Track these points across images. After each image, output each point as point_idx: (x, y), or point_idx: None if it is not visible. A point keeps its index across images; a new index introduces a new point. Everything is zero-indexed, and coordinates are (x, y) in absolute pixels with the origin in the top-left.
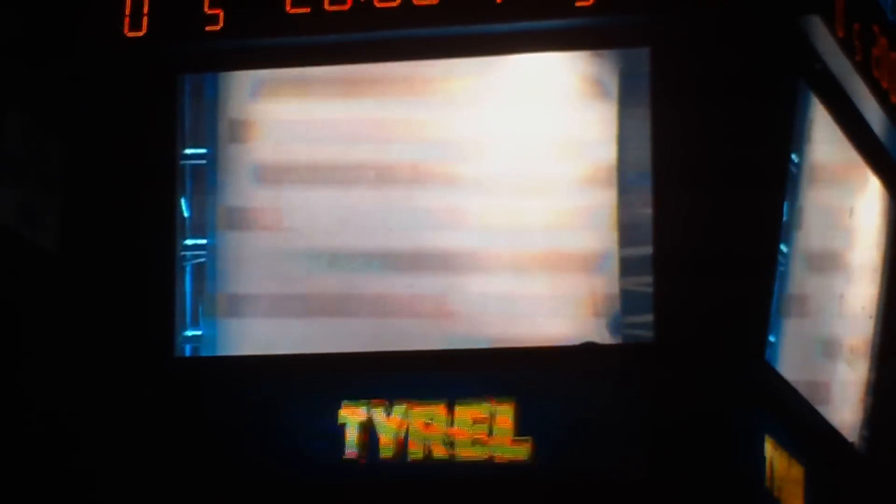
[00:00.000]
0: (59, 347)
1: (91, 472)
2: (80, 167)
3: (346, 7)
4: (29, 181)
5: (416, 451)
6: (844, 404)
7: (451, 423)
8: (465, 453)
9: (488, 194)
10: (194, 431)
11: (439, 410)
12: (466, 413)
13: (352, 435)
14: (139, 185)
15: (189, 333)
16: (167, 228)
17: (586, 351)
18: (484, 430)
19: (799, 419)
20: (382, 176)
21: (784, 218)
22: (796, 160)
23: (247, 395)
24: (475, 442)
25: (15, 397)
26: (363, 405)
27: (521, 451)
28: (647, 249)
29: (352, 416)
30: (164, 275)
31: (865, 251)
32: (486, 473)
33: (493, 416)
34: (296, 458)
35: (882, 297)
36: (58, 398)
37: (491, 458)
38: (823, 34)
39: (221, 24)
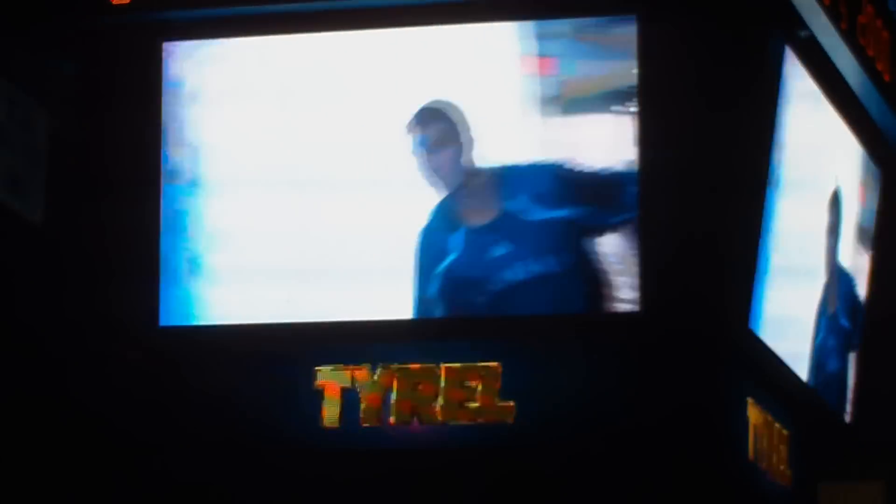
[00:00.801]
0: (44, 318)
1: (74, 441)
2: (65, 136)
3: None
4: (14, 151)
5: (400, 416)
6: (829, 373)
7: (437, 388)
8: (450, 417)
9: None
10: (177, 400)
11: (424, 375)
12: (452, 377)
13: (334, 401)
14: (124, 153)
15: (173, 302)
16: (152, 196)
17: (572, 321)
18: (470, 393)
19: (784, 388)
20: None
21: (770, 186)
22: (782, 130)
23: (232, 363)
24: (461, 406)
25: None
26: (346, 371)
27: (504, 415)
28: None
29: (335, 383)
30: (149, 244)
31: (853, 222)
32: (469, 437)
33: (479, 380)
34: (279, 425)
35: (871, 269)
36: (42, 368)
37: (474, 422)
38: (809, 1)
39: None
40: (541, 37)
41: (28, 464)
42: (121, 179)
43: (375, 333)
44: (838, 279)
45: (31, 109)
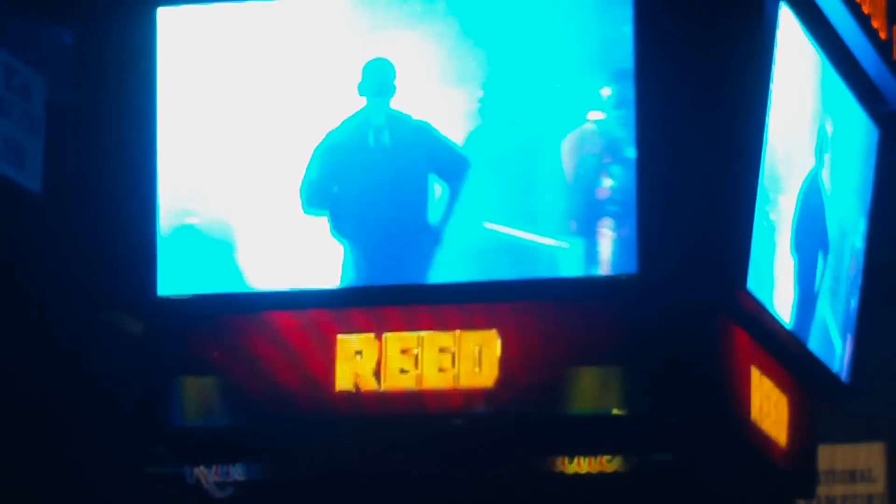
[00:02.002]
0: (41, 289)
1: (71, 420)
2: (63, 105)
3: None
4: (12, 120)
5: (392, 381)
6: (828, 336)
7: (426, 352)
8: (449, 383)
9: None
10: (181, 372)
11: (414, 340)
12: (446, 343)
13: (343, 368)
14: (119, 122)
15: (172, 271)
16: (148, 165)
17: (568, 283)
18: (467, 359)
19: (783, 350)
20: None
21: (766, 146)
22: (777, 90)
23: (234, 334)
24: (458, 372)
25: None
26: (353, 337)
27: (498, 382)
28: None
29: (341, 350)
30: (145, 213)
31: (850, 181)
32: (465, 402)
33: (474, 346)
34: (288, 394)
35: (869, 229)
36: (38, 340)
37: (470, 387)
38: None
39: None
40: None
41: (25, 434)
42: (118, 148)
43: (383, 298)
44: (836, 242)
45: (28, 78)
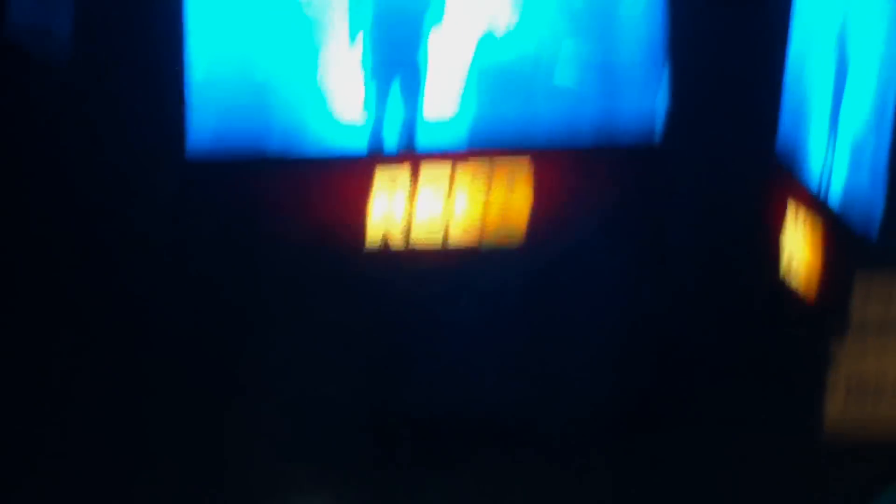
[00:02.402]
0: (73, 159)
1: (100, 283)
2: None
3: None
4: None
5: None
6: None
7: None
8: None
9: None
10: (214, 239)
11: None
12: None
13: (374, 225)
14: None
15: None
16: (177, 29)
17: (595, 154)
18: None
19: (811, 211)
20: None
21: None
22: None
23: (268, 197)
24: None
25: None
26: (386, 194)
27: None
28: None
29: (374, 207)
30: (175, 74)
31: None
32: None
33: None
34: (323, 251)
35: None
36: (72, 209)
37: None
38: None
39: None
40: None
41: (50, 305)
42: (147, 17)
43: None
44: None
45: None
